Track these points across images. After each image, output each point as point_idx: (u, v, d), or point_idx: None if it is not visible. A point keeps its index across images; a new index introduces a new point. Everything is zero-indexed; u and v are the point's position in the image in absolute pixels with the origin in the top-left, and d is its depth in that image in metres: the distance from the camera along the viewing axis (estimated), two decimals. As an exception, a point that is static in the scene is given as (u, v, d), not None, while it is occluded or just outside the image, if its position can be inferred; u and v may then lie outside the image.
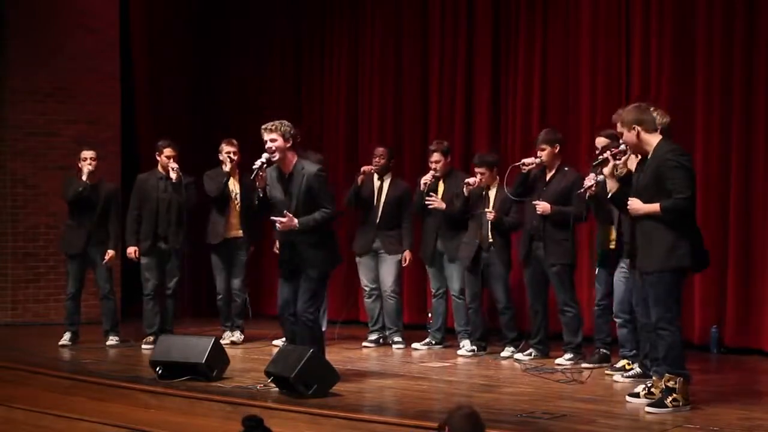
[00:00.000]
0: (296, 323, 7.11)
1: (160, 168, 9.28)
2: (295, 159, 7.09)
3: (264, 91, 12.06)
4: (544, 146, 8.08)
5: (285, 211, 6.97)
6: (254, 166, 7.04)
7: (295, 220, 6.96)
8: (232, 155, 9.27)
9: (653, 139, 6.10)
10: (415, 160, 10.43)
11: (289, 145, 7.03)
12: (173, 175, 9.11)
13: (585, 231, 8.86)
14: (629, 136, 6.12)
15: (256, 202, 7.20)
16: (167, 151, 9.21)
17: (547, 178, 8.12)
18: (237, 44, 12.33)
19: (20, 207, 11.14)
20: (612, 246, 7.53)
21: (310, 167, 7.07)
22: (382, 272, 9.23)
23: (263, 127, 7.05)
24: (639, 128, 6.08)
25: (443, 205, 8.71)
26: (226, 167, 9.27)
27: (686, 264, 6.08)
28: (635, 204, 6.06)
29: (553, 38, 9.75)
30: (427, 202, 8.76)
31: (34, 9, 11.19)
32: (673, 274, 6.02)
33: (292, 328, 7.17)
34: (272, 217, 7.04)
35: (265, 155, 7.03)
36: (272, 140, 6.98)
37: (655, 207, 5.97)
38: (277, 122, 7.06)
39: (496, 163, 8.61)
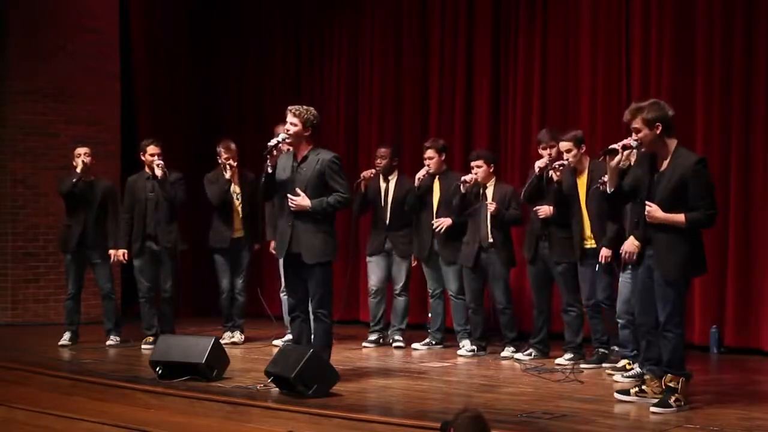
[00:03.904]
0: (306, 321, 7.14)
1: (146, 168, 9.26)
2: (310, 147, 7.09)
3: (264, 91, 12.07)
4: (553, 143, 8.03)
5: (297, 189, 6.95)
6: (270, 143, 7.02)
7: (308, 201, 6.95)
8: (232, 162, 9.25)
9: (671, 143, 6.07)
10: (414, 160, 10.39)
11: (307, 133, 7.04)
12: (158, 172, 9.04)
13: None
14: (650, 133, 6.03)
15: (263, 180, 7.15)
16: (150, 149, 9.15)
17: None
18: (237, 44, 12.33)
19: (20, 207, 11.15)
20: (588, 245, 7.64)
21: (326, 154, 7.08)
22: (394, 272, 9.23)
23: (289, 108, 7.06)
24: (662, 127, 6.05)
25: (449, 221, 8.69)
26: (227, 174, 9.24)
27: (704, 271, 6.25)
28: (657, 213, 6.00)
29: (553, 38, 9.75)
30: (435, 227, 8.72)
31: (34, 9, 11.19)
32: (689, 281, 6.12)
33: (300, 327, 7.18)
34: (289, 195, 6.97)
35: (281, 134, 7.05)
36: (293, 124, 7.00)
37: (679, 218, 5.94)
38: (303, 108, 7.05)
39: (493, 160, 8.60)
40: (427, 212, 8.89)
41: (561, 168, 7.82)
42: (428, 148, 8.89)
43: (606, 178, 6.70)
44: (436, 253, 8.88)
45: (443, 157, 8.95)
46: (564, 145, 7.76)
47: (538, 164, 8.01)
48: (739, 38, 8.58)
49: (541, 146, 8.11)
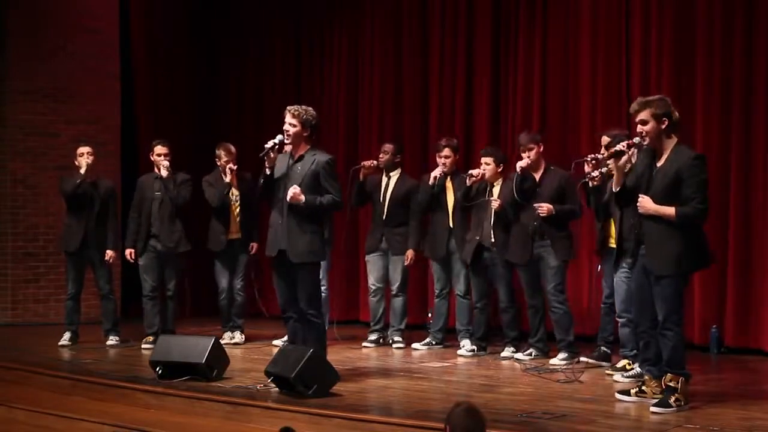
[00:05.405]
0: (299, 321, 7.11)
1: (155, 168, 9.28)
2: (308, 147, 7.08)
3: (264, 91, 12.06)
4: (531, 145, 8.11)
5: (295, 185, 6.92)
6: (266, 145, 6.99)
7: (303, 196, 6.92)
8: (232, 165, 9.25)
9: (672, 139, 6.10)
10: (415, 160, 10.44)
11: (306, 134, 7.03)
12: (164, 172, 9.12)
13: (584, 227, 8.88)
14: (656, 127, 6.04)
15: (261, 181, 7.12)
16: (158, 149, 9.22)
17: (537, 179, 8.14)
18: (237, 44, 12.33)
19: (20, 207, 11.15)
20: (612, 244, 7.53)
21: (322, 156, 7.07)
22: (391, 271, 9.22)
23: (288, 108, 7.05)
24: (668, 123, 6.06)
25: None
26: (227, 178, 9.24)
27: (701, 266, 6.24)
28: (648, 203, 6.02)
29: (553, 38, 9.75)
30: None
31: (34, 9, 11.20)
32: (684, 277, 6.09)
33: (294, 327, 7.17)
34: (290, 189, 6.94)
35: (279, 137, 7.03)
36: (291, 125, 6.99)
37: (669, 210, 5.95)
38: (302, 108, 7.05)
39: (503, 160, 8.61)
40: (441, 212, 8.86)
41: (594, 162, 7.64)
42: (445, 146, 8.86)
43: (595, 174, 7.05)
44: (450, 253, 8.86)
45: (457, 157, 8.95)
46: (605, 139, 7.66)
47: (520, 164, 8.07)
48: (739, 38, 8.57)
49: (520, 149, 8.16)
